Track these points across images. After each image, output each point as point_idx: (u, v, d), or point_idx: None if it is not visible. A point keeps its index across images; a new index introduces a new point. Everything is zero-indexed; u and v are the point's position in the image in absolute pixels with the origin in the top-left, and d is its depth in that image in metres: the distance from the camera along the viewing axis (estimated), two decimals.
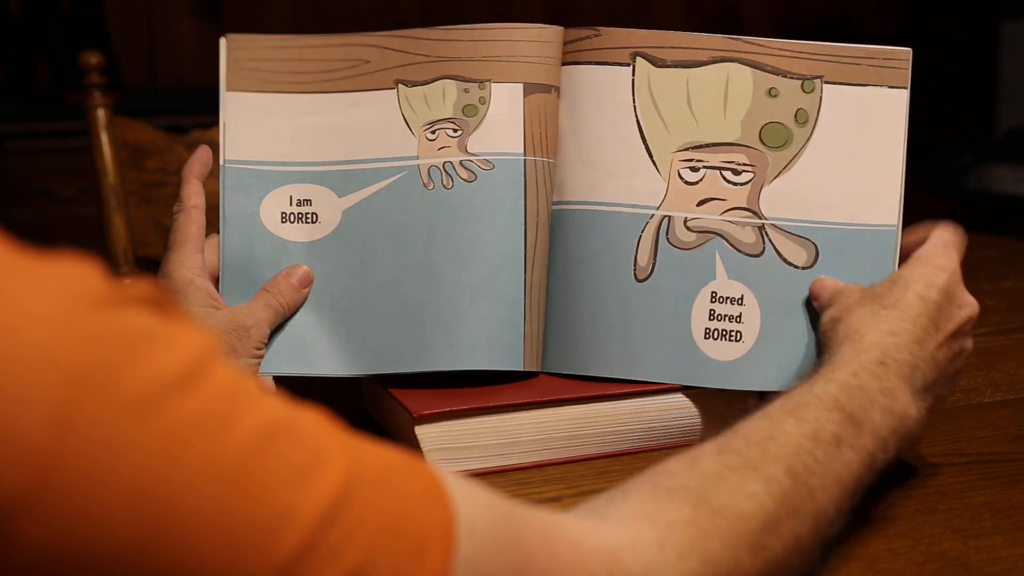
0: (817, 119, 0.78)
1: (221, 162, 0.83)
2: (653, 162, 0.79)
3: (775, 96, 0.77)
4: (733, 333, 0.78)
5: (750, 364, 0.78)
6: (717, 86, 0.79)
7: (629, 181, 0.80)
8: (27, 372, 0.35)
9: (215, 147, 0.84)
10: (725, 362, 0.78)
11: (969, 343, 0.72)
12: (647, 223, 0.79)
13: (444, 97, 0.82)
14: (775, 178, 0.78)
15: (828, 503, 0.57)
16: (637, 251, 0.79)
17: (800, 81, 0.77)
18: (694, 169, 0.79)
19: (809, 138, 0.78)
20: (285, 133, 0.83)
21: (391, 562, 0.40)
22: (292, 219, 0.83)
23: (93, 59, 1.43)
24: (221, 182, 0.84)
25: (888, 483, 0.72)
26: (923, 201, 3.63)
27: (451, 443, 0.75)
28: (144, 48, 2.96)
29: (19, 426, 0.34)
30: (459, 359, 0.79)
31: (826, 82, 0.78)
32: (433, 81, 0.83)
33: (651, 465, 0.56)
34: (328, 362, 0.80)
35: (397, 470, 0.43)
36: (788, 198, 0.78)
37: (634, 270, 0.79)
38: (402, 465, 0.44)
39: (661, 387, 0.79)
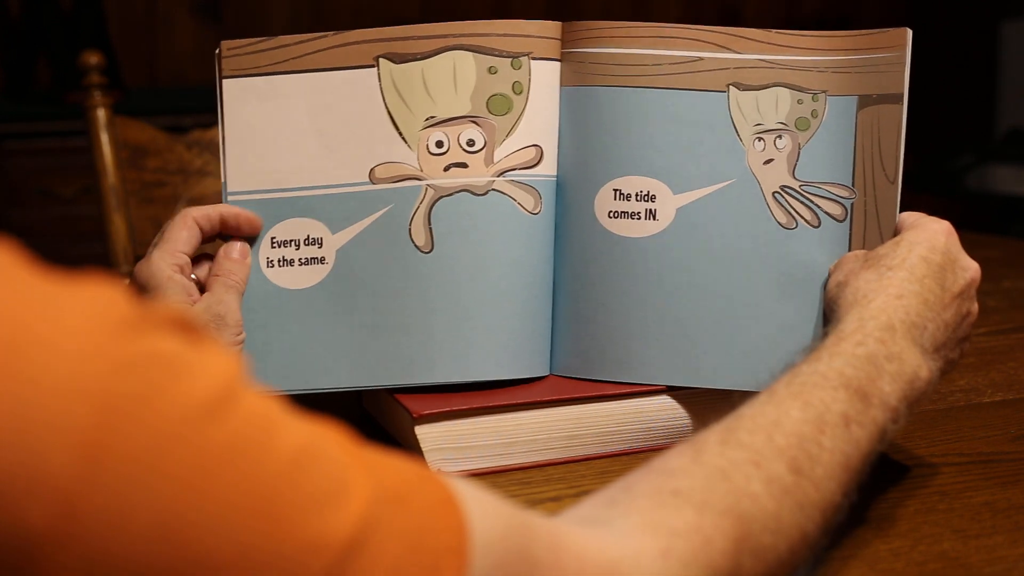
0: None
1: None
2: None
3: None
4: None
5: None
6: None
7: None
8: (56, 403, 0.34)
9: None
10: None
11: (975, 307, 0.72)
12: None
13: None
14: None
15: (835, 491, 0.57)
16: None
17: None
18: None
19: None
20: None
21: None
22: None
23: (93, 59, 1.43)
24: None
25: (888, 483, 0.73)
26: (923, 201, 3.63)
27: (451, 443, 0.75)
28: (144, 48, 2.96)
29: (47, 459, 0.34)
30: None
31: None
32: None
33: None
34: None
35: (413, 485, 0.43)
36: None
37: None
38: (418, 479, 0.44)
39: (661, 388, 0.79)
